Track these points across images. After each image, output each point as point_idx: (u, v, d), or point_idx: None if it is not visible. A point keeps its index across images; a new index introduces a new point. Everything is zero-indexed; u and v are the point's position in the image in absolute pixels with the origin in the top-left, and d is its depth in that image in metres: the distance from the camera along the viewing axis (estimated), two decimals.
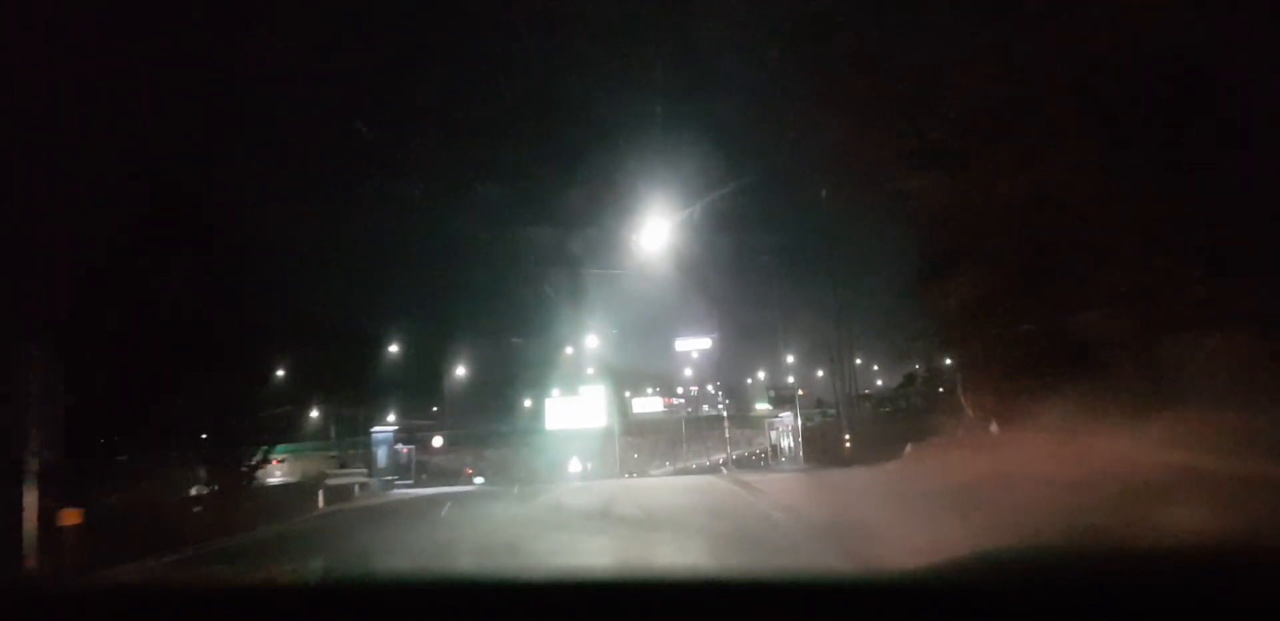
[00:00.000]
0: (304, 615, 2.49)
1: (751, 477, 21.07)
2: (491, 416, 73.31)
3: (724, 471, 33.97)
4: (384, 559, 8.97)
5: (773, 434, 37.67)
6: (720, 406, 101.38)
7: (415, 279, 75.06)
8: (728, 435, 35.81)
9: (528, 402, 68.87)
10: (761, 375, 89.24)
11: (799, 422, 34.14)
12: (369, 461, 30.61)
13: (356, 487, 21.43)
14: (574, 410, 53.93)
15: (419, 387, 75.13)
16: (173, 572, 8.86)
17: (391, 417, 76.84)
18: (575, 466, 53.10)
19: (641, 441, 72.76)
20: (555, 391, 59.11)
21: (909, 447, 23.33)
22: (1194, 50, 10.00)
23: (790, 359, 79.88)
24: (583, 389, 55.18)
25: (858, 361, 70.65)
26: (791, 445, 36.02)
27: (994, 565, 2.49)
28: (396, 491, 28.71)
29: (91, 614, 2.63)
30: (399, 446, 34.03)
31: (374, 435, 30.74)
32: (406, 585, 2.74)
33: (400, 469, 32.55)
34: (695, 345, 34.38)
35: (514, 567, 3.85)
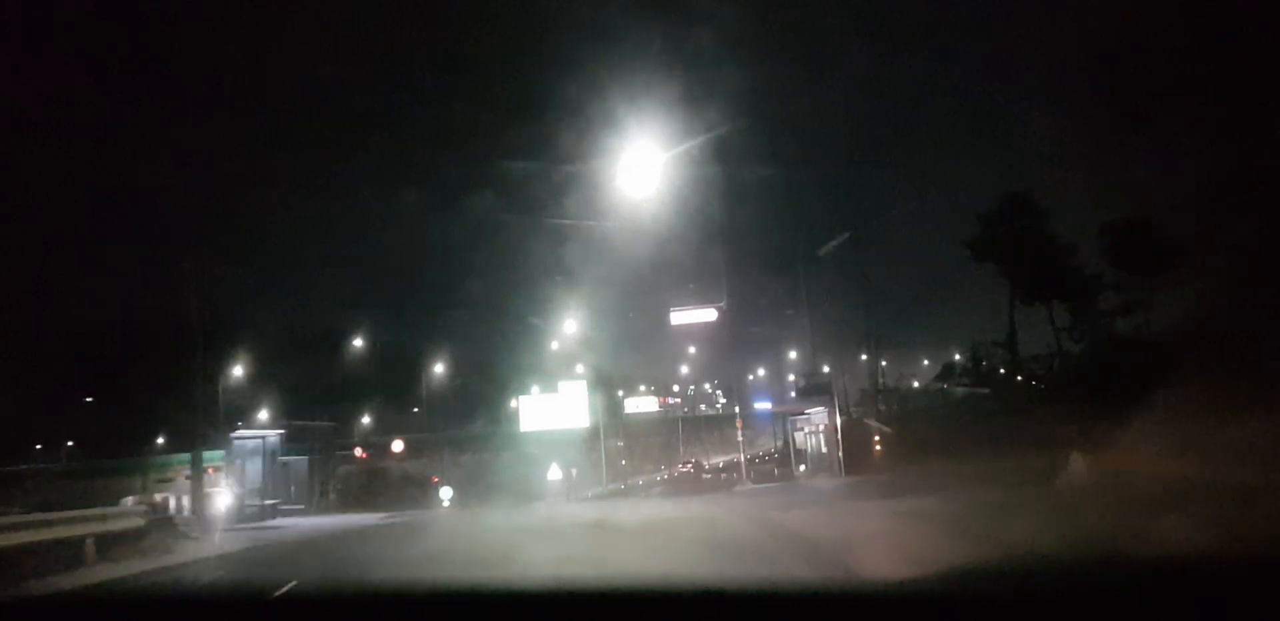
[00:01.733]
0: None
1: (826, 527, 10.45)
2: (475, 417, 63.94)
3: (741, 481, 23.39)
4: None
5: (798, 435, 27.01)
6: (718, 406, 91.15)
7: (379, 263, 63.82)
8: (740, 437, 25.17)
9: (514, 402, 58.81)
10: (761, 372, 79.68)
11: (838, 419, 23.50)
12: (238, 477, 19.98)
13: (89, 542, 10.82)
14: (554, 409, 44.03)
15: (395, 387, 65.61)
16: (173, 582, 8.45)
17: (366, 420, 66.68)
18: (555, 474, 42.92)
19: (634, 444, 62.76)
20: (535, 388, 49.12)
21: (1075, 458, 12.89)
22: None
23: (793, 355, 69.73)
24: (563, 385, 45.01)
25: (862, 356, 59.88)
26: (824, 449, 25.33)
27: (981, 576, 2.40)
28: (259, 528, 18.11)
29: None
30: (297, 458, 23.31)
31: (235, 442, 19.96)
32: (403, 595, 2.67)
33: (298, 488, 21.83)
34: (696, 318, 23.74)
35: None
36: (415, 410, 64.96)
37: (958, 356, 55.61)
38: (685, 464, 61.47)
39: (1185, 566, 2.39)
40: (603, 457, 41.37)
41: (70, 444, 57.68)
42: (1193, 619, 1.90)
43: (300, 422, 27.13)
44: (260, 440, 20.23)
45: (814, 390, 23.74)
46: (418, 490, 47.35)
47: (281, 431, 21.51)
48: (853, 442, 26.03)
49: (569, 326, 50.84)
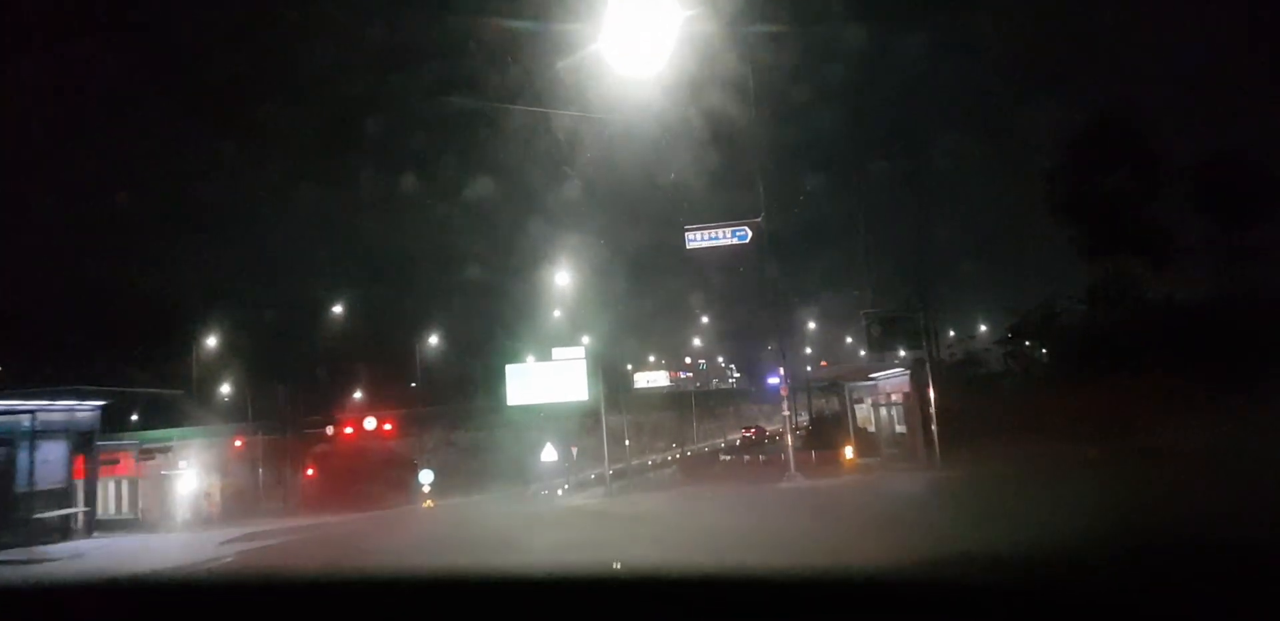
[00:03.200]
0: (304, 610, 2.26)
1: None
2: (476, 392, 56.52)
3: (788, 471, 15.09)
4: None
5: (859, 408, 18.63)
6: (732, 381, 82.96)
7: (363, 217, 55.15)
8: (786, 411, 16.78)
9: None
10: (772, 347, 71.71)
11: (930, 391, 15.06)
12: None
13: None
14: (548, 380, 36.18)
15: (387, 359, 58.09)
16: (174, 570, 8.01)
17: (359, 395, 59.15)
18: (550, 455, 35.14)
19: (643, 421, 54.79)
20: (530, 358, 41.17)
21: None
22: None
23: (812, 325, 61.47)
24: (558, 352, 37.00)
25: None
26: (898, 428, 16.98)
27: (980, 563, 2.31)
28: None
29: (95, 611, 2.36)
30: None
31: None
32: (405, 582, 2.47)
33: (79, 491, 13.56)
34: (720, 240, 15.29)
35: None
36: (413, 385, 57.73)
37: (983, 327, 47.18)
38: (747, 430, 56.35)
39: (1192, 552, 2.28)
40: (604, 436, 33.31)
41: None
42: (1197, 605, 1.78)
43: (134, 390, 18.76)
44: (30, 415, 11.88)
45: (896, 340, 15.39)
46: (398, 474, 40.02)
47: (100, 404, 13.18)
48: (881, 429, 17.94)
49: (568, 282, 42.56)
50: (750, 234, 15.66)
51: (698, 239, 15.58)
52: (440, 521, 16.18)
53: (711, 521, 10.44)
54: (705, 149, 18.54)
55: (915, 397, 16.06)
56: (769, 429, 53.56)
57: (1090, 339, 30.15)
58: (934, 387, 16.80)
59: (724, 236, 15.57)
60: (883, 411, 17.92)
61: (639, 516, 12.30)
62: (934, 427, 14.92)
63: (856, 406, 18.71)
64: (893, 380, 17.08)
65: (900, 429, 17.19)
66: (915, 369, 15.84)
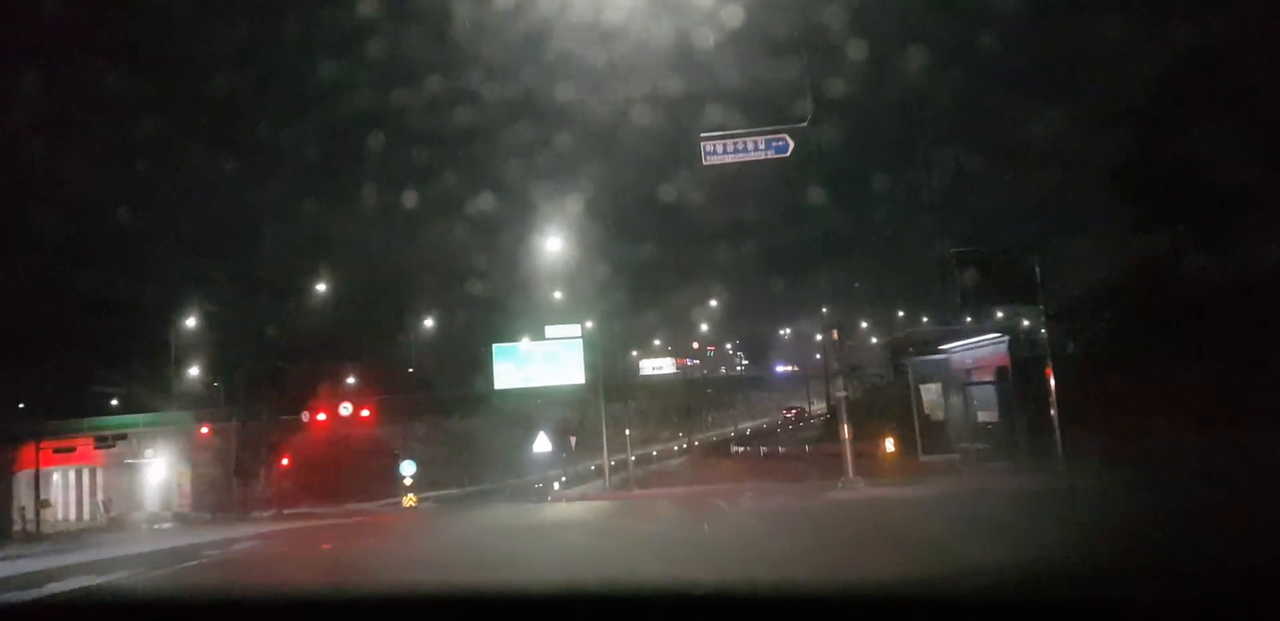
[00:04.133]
0: None
1: None
2: (476, 376, 51.77)
3: (845, 475, 10.33)
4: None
5: (930, 390, 13.79)
6: (740, 367, 78.21)
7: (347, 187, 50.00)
8: (844, 389, 11.99)
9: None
10: (787, 331, 67.27)
11: (1050, 362, 10.23)
12: None
13: None
14: (539, 361, 31.88)
15: (381, 342, 53.39)
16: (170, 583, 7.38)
17: (351, 380, 54.73)
18: (544, 445, 30.90)
19: (649, 408, 50.27)
20: (525, 339, 36.75)
21: None
22: None
23: (824, 310, 56.76)
24: (551, 330, 32.49)
25: (899, 313, 46.96)
26: (980, 414, 12.11)
27: (994, 577, 2.26)
28: None
29: None
30: None
31: None
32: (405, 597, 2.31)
33: None
34: (745, 154, 10.46)
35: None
36: (411, 371, 53.25)
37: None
38: (788, 411, 54.96)
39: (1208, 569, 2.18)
40: (603, 424, 28.82)
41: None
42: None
43: None
44: None
45: (999, 290, 10.66)
46: (379, 465, 36.04)
47: None
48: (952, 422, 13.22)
49: (571, 262, 37.78)
50: (791, 146, 10.95)
51: (718, 151, 10.88)
52: (399, 539, 11.58)
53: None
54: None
55: (1014, 375, 11.28)
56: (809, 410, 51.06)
57: (1174, 314, 25.12)
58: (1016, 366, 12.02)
59: (754, 147, 10.86)
60: (960, 394, 13.17)
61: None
62: (1054, 414, 10.16)
63: (929, 387, 13.93)
64: (977, 352, 12.33)
65: (986, 416, 12.41)
66: (1021, 335, 11.07)
